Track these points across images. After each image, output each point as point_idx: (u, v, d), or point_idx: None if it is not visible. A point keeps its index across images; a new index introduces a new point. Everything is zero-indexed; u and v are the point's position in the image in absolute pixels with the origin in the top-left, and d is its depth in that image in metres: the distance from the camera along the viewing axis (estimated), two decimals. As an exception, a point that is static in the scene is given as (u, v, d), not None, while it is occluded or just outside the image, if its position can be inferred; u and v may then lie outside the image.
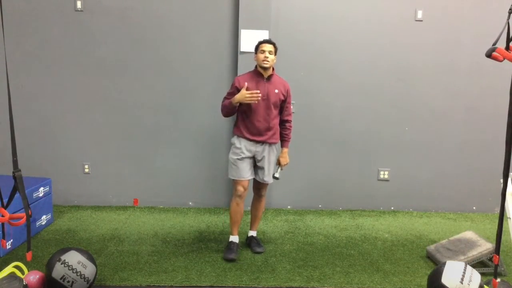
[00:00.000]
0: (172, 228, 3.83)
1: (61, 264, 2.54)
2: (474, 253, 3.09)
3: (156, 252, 3.30)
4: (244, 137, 3.19)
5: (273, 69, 3.23)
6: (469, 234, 3.33)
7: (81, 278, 2.55)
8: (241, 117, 3.21)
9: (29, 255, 2.46)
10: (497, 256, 2.42)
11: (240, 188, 3.22)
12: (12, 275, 2.43)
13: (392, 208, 4.48)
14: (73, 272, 2.53)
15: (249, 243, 3.44)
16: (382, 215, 4.31)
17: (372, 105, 4.30)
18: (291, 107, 3.36)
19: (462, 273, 2.50)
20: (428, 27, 4.20)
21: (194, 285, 2.83)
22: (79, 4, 4.06)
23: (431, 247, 3.32)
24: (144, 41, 4.14)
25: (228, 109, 3.18)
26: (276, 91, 3.18)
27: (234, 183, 3.27)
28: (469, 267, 2.56)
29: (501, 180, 2.39)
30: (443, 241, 3.35)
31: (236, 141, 3.23)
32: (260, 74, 3.19)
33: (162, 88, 4.22)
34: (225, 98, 3.24)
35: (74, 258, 2.59)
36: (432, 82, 4.29)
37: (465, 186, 4.44)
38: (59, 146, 4.28)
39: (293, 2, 4.13)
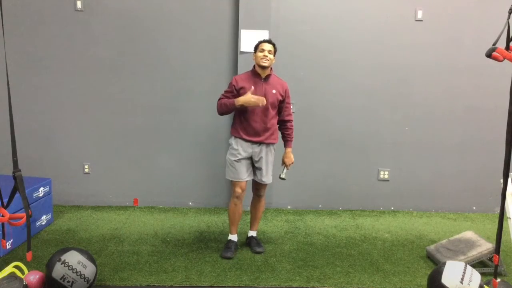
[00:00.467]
0: (172, 228, 3.83)
1: (61, 264, 2.54)
2: (474, 253, 3.09)
3: (156, 252, 3.30)
4: (241, 137, 3.18)
5: (271, 69, 3.21)
6: (469, 234, 3.33)
7: (81, 278, 2.55)
8: (238, 117, 3.20)
9: (29, 255, 2.46)
10: (497, 256, 2.42)
11: (238, 190, 3.22)
12: (12, 275, 2.43)
13: (392, 208, 4.48)
14: (73, 272, 2.53)
15: (249, 243, 3.43)
16: (382, 215, 4.31)
17: (372, 105, 4.30)
18: (291, 107, 3.35)
19: (462, 273, 2.50)
20: (428, 27, 4.20)
21: (194, 285, 2.83)
22: (79, 4, 4.06)
23: (431, 247, 3.32)
24: (144, 41, 4.14)
25: (228, 109, 3.16)
26: (274, 91, 3.16)
27: (232, 184, 3.27)
28: (469, 267, 2.56)
29: (501, 180, 2.39)
30: (443, 241, 3.35)
31: (233, 142, 3.22)
32: (257, 74, 3.17)
33: (162, 88, 4.22)
34: (222, 96, 3.22)
35: (74, 258, 2.59)
36: (432, 82, 4.29)
37: (465, 186, 4.44)
38: (59, 146, 4.28)
39: (293, 2, 4.13)
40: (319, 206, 4.45)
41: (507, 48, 2.22)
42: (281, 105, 3.24)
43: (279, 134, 3.34)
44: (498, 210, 4.13)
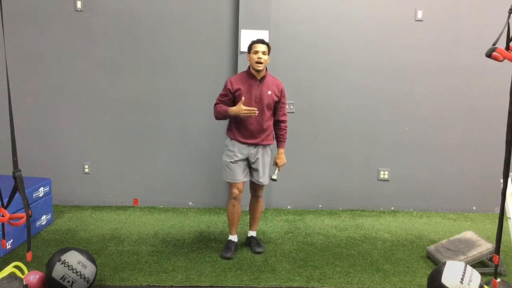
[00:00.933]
0: (172, 228, 3.83)
1: (61, 264, 2.54)
2: (474, 253, 3.09)
3: (156, 252, 3.30)
4: (237, 139, 3.17)
5: (266, 69, 3.17)
6: (469, 234, 3.33)
7: (81, 278, 2.55)
8: (234, 119, 3.17)
9: (29, 255, 2.46)
10: (497, 256, 2.42)
11: (235, 191, 3.22)
12: (12, 275, 2.43)
13: (392, 208, 4.48)
14: (73, 272, 2.53)
15: (249, 243, 3.43)
16: (382, 215, 4.31)
17: (372, 105, 4.30)
18: (286, 106, 3.32)
19: (462, 273, 2.50)
20: (428, 27, 4.20)
21: (194, 285, 2.83)
22: (79, 4, 4.06)
23: (431, 247, 3.32)
24: (144, 41, 4.14)
25: (223, 116, 3.17)
26: (269, 92, 3.14)
27: (229, 185, 3.27)
28: (469, 267, 2.56)
29: (501, 180, 2.39)
30: (443, 241, 3.35)
31: (229, 143, 3.21)
32: (252, 76, 3.13)
33: (162, 88, 4.22)
34: (218, 100, 3.20)
35: (74, 258, 2.59)
36: (432, 82, 4.29)
37: (465, 186, 4.44)
38: (59, 146, 4.28)
39: (293, 2, 4.13)
40: (319, 206, 4.45)
41: (507, 48, 2.22)
42: (276, 105, 3.22)
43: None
44: (498, 210, 4.13)
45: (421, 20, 4.19)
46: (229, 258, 3.21)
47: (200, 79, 4.21)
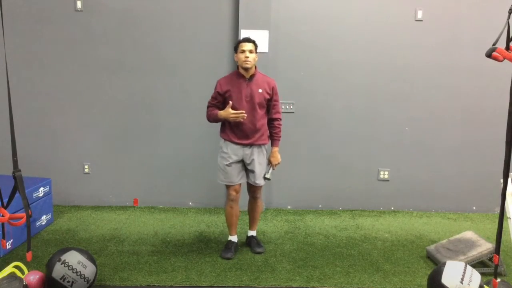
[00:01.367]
0: (172, 228, 3.83)
1: (61, 264, 2.54)
2: (474, 253, 3.09)
3: (156, 252, 3.30)
4: (231, 141, 3.14)
5: (255, 68, 3.14)
6: (469, 234, 3.33)
7: (81, 278, 2.55)
8: (227, 121, 3.12)
9: (29, 255, 2.46)
10: (497, 256, 2.42)
11: (232, 192, 3.21)
12: (12, 275, 2.43)
13: (392, 208, 4.48)
14: (73, 272, 2.53)
15: (249, 243, 3.42)
16: (382, 215, 4.31)
17: (372, 105, 4.30)
18: (280, 104, 3.27)
19: (462, 273, 2.49)
20: (428, 27, 4.20)
21: (194, 285, 2.83)
22: (79, 4, 4.06)
23: (431, 247, 3.32)
24: (144, 41, 4.14)
25: (215, 120, 3.16)
26: (260, 90, 3.10)
27: (226, 187, 3.25)
28: (469, 267, 2.56)
29: (501, 180, 2.39)
30: (443, 241, 3.35)
31: (223, 145, 3.19)
32: (241, 75, 3.11)
33: (162, 88, 4.22)
34: (209, 103, 3.18)
35: (74, 258, 2.59)
36: (432, 82, 4.29)
37: (465, 186, 4.44)
38: (59, 146, 4.28)
39: (293, 2, 4.13)
40: (319, 206, 4.45)
41: (507, 48, 2.22)
42: (268, 103, 3.18)
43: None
44: (498, 210, 4.13)
45: (421, 20, 4.19)
46: (229, 259, 3.21)
47: (200, 79, 4.21)
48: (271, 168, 3.30)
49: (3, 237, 2.74)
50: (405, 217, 4.27)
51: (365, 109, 4.30)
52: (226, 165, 3.15)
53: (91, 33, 4.12)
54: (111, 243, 3.45)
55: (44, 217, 3.71)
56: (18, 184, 2.39)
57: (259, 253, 3.30)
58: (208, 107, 3.20)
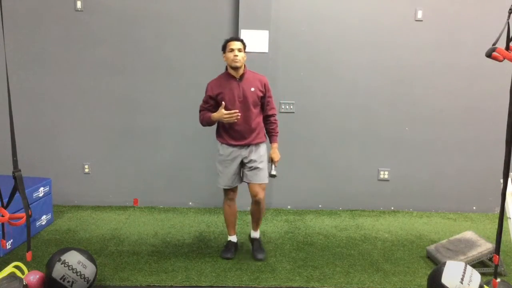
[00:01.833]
0: (172, 228, 3.83)
1: (61, 264, 2.54)
2: (474, 253, 3.09)
3: (156, 252, 3.30)
4: (228, 143, 3.08)
5: (245, 67, 3.07)
6: (469, 234, 3.33)
7: (81, 278, 2.55)
8: (221, 123, 3.07)
9: (29, 255, 2.46)
10: (497, 256, 2.42)
11: (230, 192, 3.19)
12: (12, 275, 2.43)
13: (392, 208, 4.48)
14: (73, 272, 2.53)
15: (251, 244, 3.35)
16: (382, 215, 4.31)
17: (372, 105, 4.30)
18: (273, 101, 3.20)
19: (462, 273, 2.49)
20: (428, 27, 4.20)
21: (194, 285, 2.83)
22: (79, 4, 4.06)
23: (431, 247, 3.32)
24: (144, 41, 4.14)
25: (209, 124, 3.11)
26: (252, 89, 3.03)
27: (224, 190, 3.22)
28: (469, 267, 2.56)
29: (501, 180, 2.39)
30: (443, 241, 3.35)
31: (220, 148, 3.14)
32: (231, 76, 3.05)
33: (162, 88, 4.22)
34: (201, 107, 3.13)
35: (74, 258, 2.59)
36: (432, 82, 4.29)
37: (465, 186, 4.44)
38: (59, 146, 4.28)
39: (293, 2, 4.13)
40: (319, 206, 4.45)
41: (507, 48, 2.22)
42: (262, 101, 3.11)
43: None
44: (498, 210, 4.13)
45: (421, 20, 4.19)
46: (229, 258, 3.20)
47: (200, 79, 4.17)
48: (274, 165, 3.19)
49: (3, 237, 2.74)
50: (405, 217, 4.27)
51: (365, 108, 4.30)
52: (224, 167, 3.12)
53: (91, 33, 4.12)
54: (111, 243, 3.45)
55: (44, 217, 3.71)
56: (18, 184, 2.39)
57: (260, 260, 3.18)
58: (200, 111, 3.14)
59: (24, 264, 2.63)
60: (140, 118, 4.25)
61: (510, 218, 2.74)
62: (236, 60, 2.97)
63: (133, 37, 4.14)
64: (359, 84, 4.26)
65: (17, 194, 2.44)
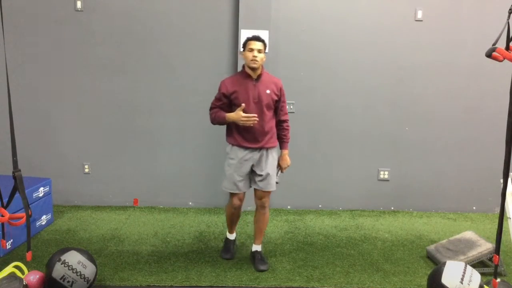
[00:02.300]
0: (172, 228, 3.83)
1: (61, 264, 2.54)
2: (474, 253, 3.09)
3: (156, 252, 3.30)
4: (239, 145, 2.97)
5: (262, 67, 2.97)
6: (469, 234, 3.33)
7: (81, 278, 2.55)
8: (233, 124, 2.96)
9: (29, 255, 2.46)
10: (497, 256, 2.42)
11: (236, 202, 3.05)
12: (12, 275, 2.44)
13: (392, 208, 4.48)
14: (73, 272, 2.53)
15: (252, 258, 3.17)
16: (382, 215, 4.31)
17: (372, 105, 4.30)
18: (286, 106, 3.14)
19: (462, 273, 2.50)
20: (428, 27, 4.20)
21: (194, 285, 2.83)
22: (79, 4, 4.06)
23: (431, 247, 3.32)
24: (144, 41, 4.14)
25: (220, 123, 3.01)
26: (268, 91, 2.94)
27: (230, 194, 3.09)
28: (469, 267, 2.56)
29: (501, 180, 2.39)
30: (443, 241, 3.35)
31: (230, 151, 3.02)
32: (248, 75, 2.94)
33: (162, 88, 4.22)
34: (213, 104, 3.03)
35: (74, 258, 2.59)
36: (432, 82, 4.29)
37: (465, 186, 4.44)
38: (59, 146, 4.28)
39: (293, 2, 4.13)
40: (319, 206, 4.45)
41: (507, 48, 2.22)
42: (276, 105, 3.02)
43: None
44: (498, 210, 4.13)
45: (421, 20, 4.19)
46: (228, 259, 3.20)
47: (200, 79, 4.21)
48: (280, 172, 3.14)
49: (3, 237, 2.74)
50: (405, 217, 4.27)
51: (365, 108, 4.30)
52: (234, 170, 2.99)
53: (91, 33, 4.12)
54: (111, 243, 3.45)
55: (44, 217, 3.71)
56: (18, 184, 2.39)
57: (262, 270, 3.05)
58: (211, 108, 3.04)
59: (24, 264, 2.63)
60: (140, 118, 4.25)
61: (510, 218, 2.74)
62: (255, 61, 2.86)
63: (133, 37, 4.14)
64: (359, 84, 4.26)
65: (17, 194, 2.44)
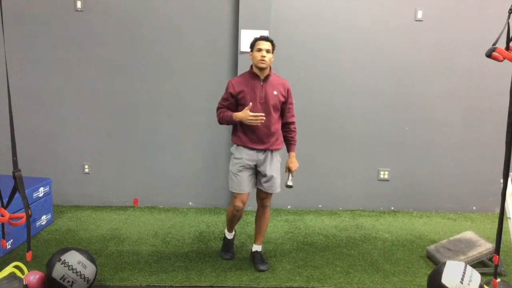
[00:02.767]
0: (172, 228, 3.83)
1: (61, 264, 2.54)
2: (474, 253, 3.09)
3: (156, 252, 3.30)
4: (244, 145, 2.95)
5: (270, 68, 2.96)
6: (469, 234, 3.33)
7: (81, 278, 2.55)
8: (239, 124, 2.94)
9: (29, 255, 2.46)
10: (497, 256, 2.42)
11: (239, 204, 3.00)
12: (12, 275, 2.43)
13: (392, 208, 4.48)
14: (73, 272, 2.53)
15: (252, 258, 3.17)
16: (382, 215, 4.31)
17: (372, 105, 4.30)
18: (293, 107, 3.08)
19: (462, 273, 2.50)
20: (428, 27, 4.20)
21: (194, 285, 2.83)
22: (79, 4, 4.06)
23: (431, 247, 3.32)
24: (144, 41, 4.14)
25: (228, 123, 2.97)
26: (275, 92, 2.92)
27: (233, 195, 3.05)
28: (469, 267, 2.56)
29: (501, 180, 2.39)
30: (443, 241, 3.35)
31: (235, 151, 3.00)
32: (256, 76, 2.92)
33: (162, 88, 4.22)
34: (220, 104, 3.00)
35: (74, 258, 2.59)
36: (432, 82, 4.29)
37: (465, 186, 4.44)
38: (59, 146, 4.28)
39: (293, 2, 4.13)
40: (319, 206, 4.45)
41: (507, 48, 2.22)
42: (283, 107, 3.00)
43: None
44: (498, 210, 4.13)
45: (421, 20, 4.19)
46: (228, 259, 3.20)
47: (200, 79, 4.21)
48: (291, 175, 3.06)
49: (3, 237, 2.74)
50: (405, 217, 4.27)
51: (365, 109, 4.30)
52: (238, 171, 2.97)
53: (91, 33, 4.12)
54: (111, 243, 3.45)
55: (44, 217, 3.71)
56: (18, 184, 2.39)
57: (262, 270, 3.05)
58: (218, 108, 3.01)
59: (24, 264, 2.63)
60: (140, 118, 4.25)
61: (510, 218, 2.74)
62: (263, 61, 2.85)
63: (133, 37, 4.14)
64: (359, 84, 4.26)
65: (17, 194, 2.44)
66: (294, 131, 3.10)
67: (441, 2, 4.17)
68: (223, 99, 3.00)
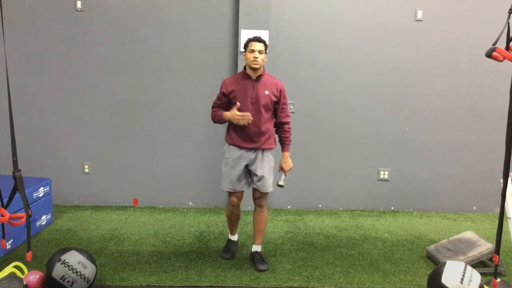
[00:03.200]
0: (172, 228, 3.83)
1: (61, 264, 2.54)
2: (474, 253, 3.09)
3: (156, 252, 3.30)
4: (235, 144, 3.00)
5: (263, 68, 2.99)
6: (469, 234, 3.33)
7: (81, 278, 2.55)
8: (231, 123, 2.99)
9: (29, 255, 2.46)
10: (497, 256, 2.42)
11: (234, 199, 3.09)
12: (12, 275, 2.44)
13: (392, 208, 4.48)
14: (73, 272, 2.53)
15: (252, 258, 3.18)
16: (382, 215, 4.31)
17: (372, 105, 4.30)
18: (288, 108, 3.10)
19: (462, 273, 2.50)
20: (428, 27, 4.20)
21: (194, 285, 2.83)
22: (79, 4, 4.06)
23: (431, 247, 3.32)
24: (144, 41, 4.14)
25: (219, 122, 3.03)
26: (267, 92, 2.94)
27: (228, 193, 3.13)
28: (469, 267, 2.56)
29: (501, 180, 2.39)
30: (443, 241, 3.35)
31: (227, 150, 3.06)
32: (248, 76, 2.97)
33: (162, 88, 4.22)
34: (214, 103, 3.07)
35: (74, 258, 2.59)
36: (432, 82, 4.29)
37: (465, 186, 4.44)
38: (59, 146, 4.28)
39: (293, 2, 4.13)
40: (319, 206, 4.45)
41: (507, 48, 2.22)
42: (276, 107, 3.01)
43: (277, 139, 3.13)
44: (498, 210, 4.13)
45: (421, 20, 4.19)
46: (229, 259, 3.20)
47: (200, 79, 4.21)
48: (284, 175, 3.09)
49: (3, 237, 2.74)
50: (405, 217, 4.27)
51: (365, 109, 4.30)
52: (230, 169, 3.03)
53: (91, 33, 4.12)
54: (111, 243, 3.45)
55: (44, 217, 3.71)
56: (18, 184, 2.39)
57: (262, 270, 3.05)
58: (212, 107, 3.08)
59: (24, 264, 2.63)
60: (140, 118, 4.25)
61: (510, 218, 2.74)
62: (256, 62, 2.88)
63: (133, 37, 4.14)
64: (359, 84, 4.26)
65: (17, 194, 2.44)
66: (288, 131, 3.10)
67: (441, 2, 4.17)
68: (217, 98, 3.08)
